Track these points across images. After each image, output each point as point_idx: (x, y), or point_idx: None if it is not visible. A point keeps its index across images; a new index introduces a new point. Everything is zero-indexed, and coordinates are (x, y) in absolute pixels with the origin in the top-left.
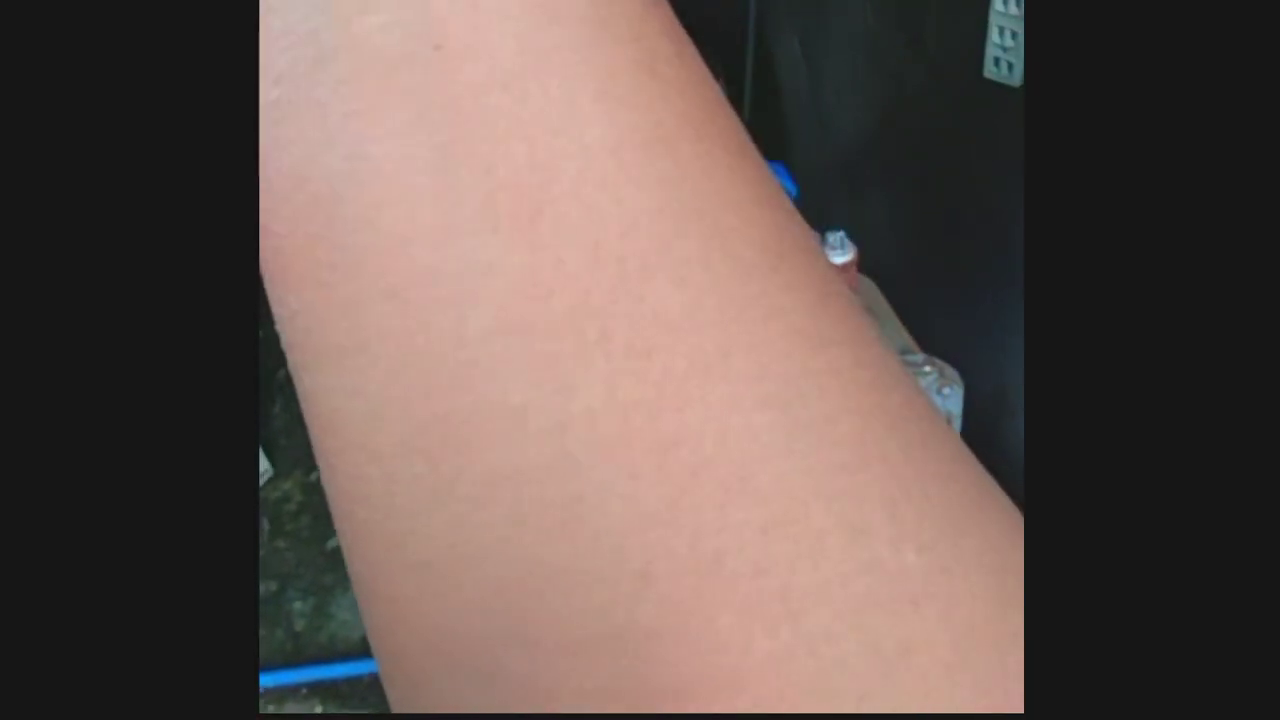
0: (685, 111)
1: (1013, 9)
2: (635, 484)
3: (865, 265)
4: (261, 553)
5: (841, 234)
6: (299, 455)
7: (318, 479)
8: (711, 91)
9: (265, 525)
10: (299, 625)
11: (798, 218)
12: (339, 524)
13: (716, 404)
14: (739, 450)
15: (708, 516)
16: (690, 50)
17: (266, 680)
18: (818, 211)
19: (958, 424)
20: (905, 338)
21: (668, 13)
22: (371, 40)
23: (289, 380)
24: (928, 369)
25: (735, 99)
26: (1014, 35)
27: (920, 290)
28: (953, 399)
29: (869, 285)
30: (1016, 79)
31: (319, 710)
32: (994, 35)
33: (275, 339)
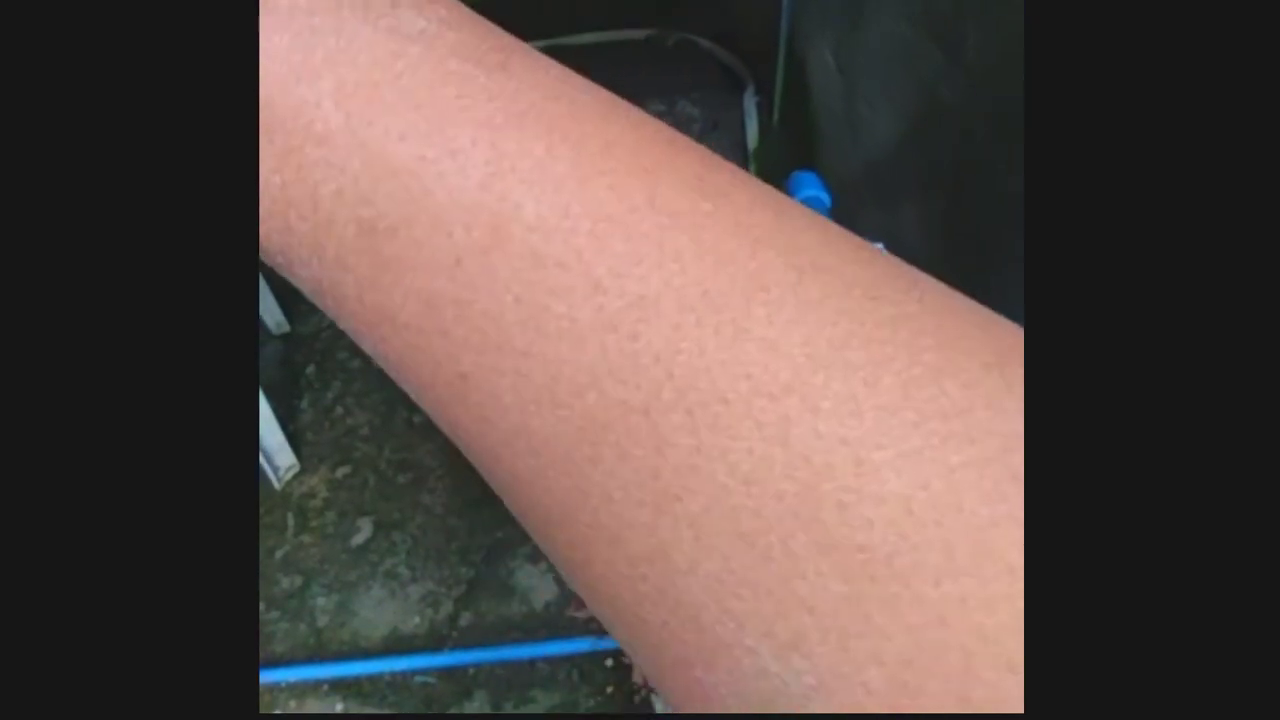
0: None
1: None
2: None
3: None
4: (286, 548)
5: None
6: (325, 451)
7: (343, 475)
8: None
9: (290, 520)
10: (322, 621)
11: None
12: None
13: None
14: None
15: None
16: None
17: (288, 675)
18: (850, 220)
19: None
20: None
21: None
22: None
23: (317, 376)
24: None
25: (765, 107)
26: None
27: None
28: None
29: None
30: None
31: (339, 708)
32: None
33: (304, 336)
